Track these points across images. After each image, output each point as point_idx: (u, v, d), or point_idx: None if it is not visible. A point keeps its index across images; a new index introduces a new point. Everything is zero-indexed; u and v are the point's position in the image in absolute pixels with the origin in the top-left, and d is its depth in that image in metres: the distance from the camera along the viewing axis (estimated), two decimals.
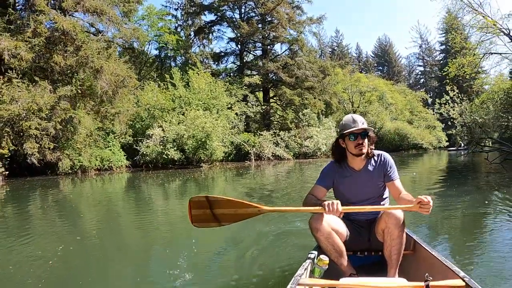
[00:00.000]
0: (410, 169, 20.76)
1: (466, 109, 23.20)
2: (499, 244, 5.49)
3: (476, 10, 23.16)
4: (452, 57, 30.74)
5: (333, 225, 3.42)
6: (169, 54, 42.17)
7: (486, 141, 23.72)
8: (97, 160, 23.33)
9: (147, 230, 7.37)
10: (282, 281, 3.80)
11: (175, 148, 25.38)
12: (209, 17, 44.71)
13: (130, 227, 7.96)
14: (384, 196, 3.74)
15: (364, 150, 3.56)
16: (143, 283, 4.33)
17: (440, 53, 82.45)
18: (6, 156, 19.11)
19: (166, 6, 43.88)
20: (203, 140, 25.66)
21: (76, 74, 22.63)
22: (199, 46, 44.88)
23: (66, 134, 21.28)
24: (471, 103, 24.44)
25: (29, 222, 8.49)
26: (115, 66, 23.16)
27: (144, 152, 25.23)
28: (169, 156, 25.04)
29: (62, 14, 22.58)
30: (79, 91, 22.02)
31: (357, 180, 3.69)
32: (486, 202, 9.10)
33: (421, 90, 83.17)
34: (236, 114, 32.22)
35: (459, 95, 22.66)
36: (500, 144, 21.52)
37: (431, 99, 67.24)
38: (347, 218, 3.69)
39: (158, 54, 41.99)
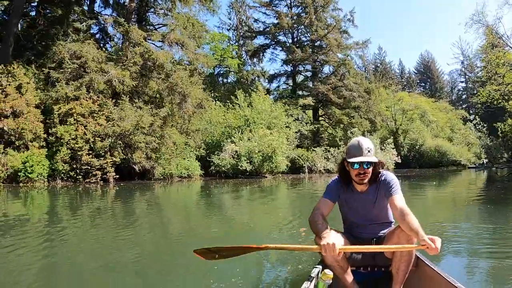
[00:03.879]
0: (445, 183, 24.81)
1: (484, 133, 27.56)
2: (503, 261, 5.43)
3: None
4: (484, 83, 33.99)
5: (339, 241, 3.40)
6: (220, 72, 46.75)
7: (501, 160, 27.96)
8: (180, 168, 28.01)
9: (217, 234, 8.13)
10: None
11: (247, 161, 30.00)
12: (260, 38, 49.35)
13: (207, 226, 9.15)
14: (389, 219, 3.81)
15: (366, 180, 3.59)
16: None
17: (481, 70, 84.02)
18: (117, 163, 24.12)
19: (219, 27, 49.19)
20: (269, 154, 30.48)
21: (167, 97, 27.60)
22: (250, 65, 49.70)
23: (160, 147, 26.15)
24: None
25: (134, 215, 11.01)
26: (196, 91, 28.16)
27: (218, 163, 29.91)
28: (242, 167, 29.63)
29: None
30: (169, 112, 27.08)
31: (360, 202, 3.74)
32: (497, 217, 9.65)
33: (463, 106, 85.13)
34: (294, 132, 36.56)
35: (480, 121, 26.53)
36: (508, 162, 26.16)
37: (473, 115, 68.49)
38: (351, 235, 3.80)
39: (211, 72, 45.56)
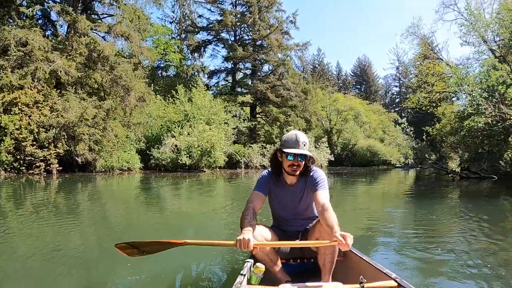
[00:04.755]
0: (377, 180, 27.07)
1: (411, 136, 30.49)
2: (428, 244, 6.25)
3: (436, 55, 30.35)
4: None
5: (265, 235, 3.60)
6: (161, 65, 46.86)
7: (427, 161, 30.94)
8: (121, 161, 28.63)
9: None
10: None
11: (187, 156, 31.03)
12: (203, 34, 50.07)
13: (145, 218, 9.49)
14: (315, 214, 3.87)
15: (297, 172, 3.75)
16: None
17: (414, 77, 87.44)
18: (61, 155, 24.44)
19: (162, 19, 49.19)
20: (208, 149, 31.72)
21: (110, 90, 28.14)
22: (191, 60, 50.13)
23: (102, 139, 26.60)
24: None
25: (77, 208, 10.84)
26: (139, 84, 28.81)
27: (158, 157, 30.84)
28: (182, 162, 30.67)
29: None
30: (113, 105, 27.57)
31: (288, 194, 3.90)
32: (420, 208, 11.20)
33: (396, 109, 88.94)
34: (232, 128, 37.63)
35: (408, 125, 29.06)
36: (434, 163, 29.28)
37: (405, 118, 70.98)
38: (279, 229, 3.99)
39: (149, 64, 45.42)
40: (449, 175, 26.24)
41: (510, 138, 19.75)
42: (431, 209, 11.15)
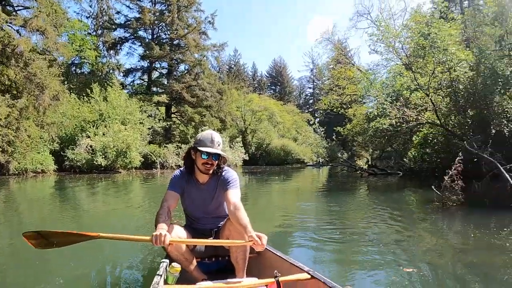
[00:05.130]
0: (291, 178, 28.50)
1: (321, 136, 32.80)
2: (340, 236, 6.83)
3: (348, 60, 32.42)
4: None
5: (179, 234, 3.67)
6: (75, 62, 45.59)
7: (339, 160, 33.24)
8: (35, 163, 28.05)
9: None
10: None
11: (102, 156, 30.74)
12: (120, 31, 49.14)
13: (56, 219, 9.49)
14: (226, 212, 3.87)
15: (211, 171, 3.85)
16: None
17: (328, 79, 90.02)
18: None
19: (78, 13, 47.89)
20: (124, 150, 31.72)
21: (24, 88, 27.11)
22: (106, 57, 49.19)
23: (16, 140, 25.74)
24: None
25: None
26: (54, 82, 27.93)
27: (73, 158, 30.30)
28: (97, 162, 30.30)
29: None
30: (26, 104, 26.69)
31: (200, 193, 3.99)
32: (332, 202, 12.07)
33: (309, 110, 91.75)
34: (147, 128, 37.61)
35: (319, 126, 30.96)
36: (344, 161, 31.64)
37: (318, 119, 73.43)
38: (192, 228, 4.09)
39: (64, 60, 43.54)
40: (358, 172, 28.52)
41: (413, 138, 21.95)
42: (342, 203, 12.32)
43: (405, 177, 23.12)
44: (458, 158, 10.60)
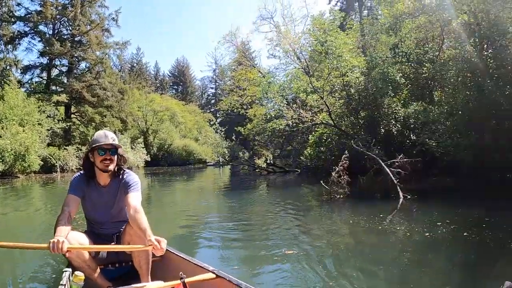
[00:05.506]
0: (193, 178, 29.22)
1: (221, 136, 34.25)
2: (244, 233, 7.21)
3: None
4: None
5: (80, 240, 3.55)
6: None
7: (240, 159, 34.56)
8: None
9: None
10: None
11: None
12: (20, 25, 46.01)
13: None
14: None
15: (111, 167, 3.78)
16: None
17: (230, 79, 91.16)
18: None
19: None
20: (22, 153, 30.24)
21: None
22: (3, 52, 45.24)
23: None
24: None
25: None
26: None
27: None
28: None
29: None
30: None
31: (101, 196, 3.92)
32: (234, 200, 12.91)
33: (211, 110, 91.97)
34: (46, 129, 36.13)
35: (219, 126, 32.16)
36: (245, 161, 33.06)
37: (219, 119, 74.29)
38: (93, 233, 3.97)
39: None
40: (257, 171, 29.62)
41: (310, 137, 23.38)
42: (242, 200, 13.25)
43: (302, 174, 24.76)
44: (344, 155, 12.45)
